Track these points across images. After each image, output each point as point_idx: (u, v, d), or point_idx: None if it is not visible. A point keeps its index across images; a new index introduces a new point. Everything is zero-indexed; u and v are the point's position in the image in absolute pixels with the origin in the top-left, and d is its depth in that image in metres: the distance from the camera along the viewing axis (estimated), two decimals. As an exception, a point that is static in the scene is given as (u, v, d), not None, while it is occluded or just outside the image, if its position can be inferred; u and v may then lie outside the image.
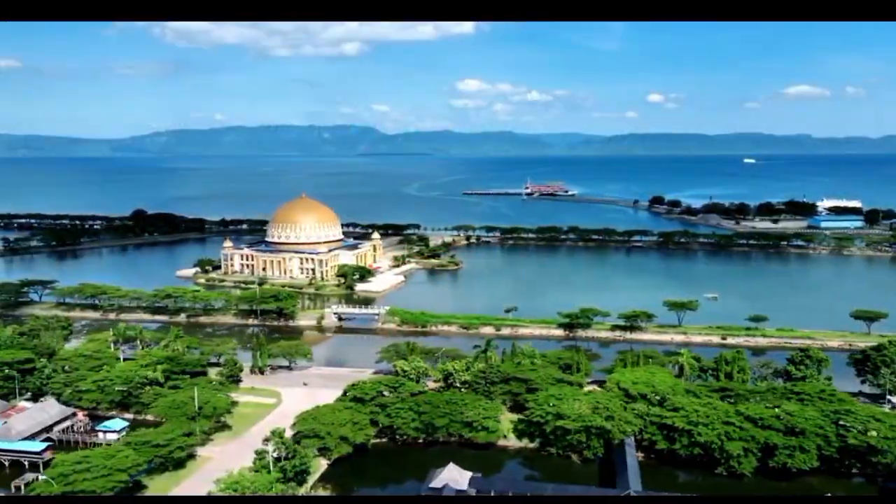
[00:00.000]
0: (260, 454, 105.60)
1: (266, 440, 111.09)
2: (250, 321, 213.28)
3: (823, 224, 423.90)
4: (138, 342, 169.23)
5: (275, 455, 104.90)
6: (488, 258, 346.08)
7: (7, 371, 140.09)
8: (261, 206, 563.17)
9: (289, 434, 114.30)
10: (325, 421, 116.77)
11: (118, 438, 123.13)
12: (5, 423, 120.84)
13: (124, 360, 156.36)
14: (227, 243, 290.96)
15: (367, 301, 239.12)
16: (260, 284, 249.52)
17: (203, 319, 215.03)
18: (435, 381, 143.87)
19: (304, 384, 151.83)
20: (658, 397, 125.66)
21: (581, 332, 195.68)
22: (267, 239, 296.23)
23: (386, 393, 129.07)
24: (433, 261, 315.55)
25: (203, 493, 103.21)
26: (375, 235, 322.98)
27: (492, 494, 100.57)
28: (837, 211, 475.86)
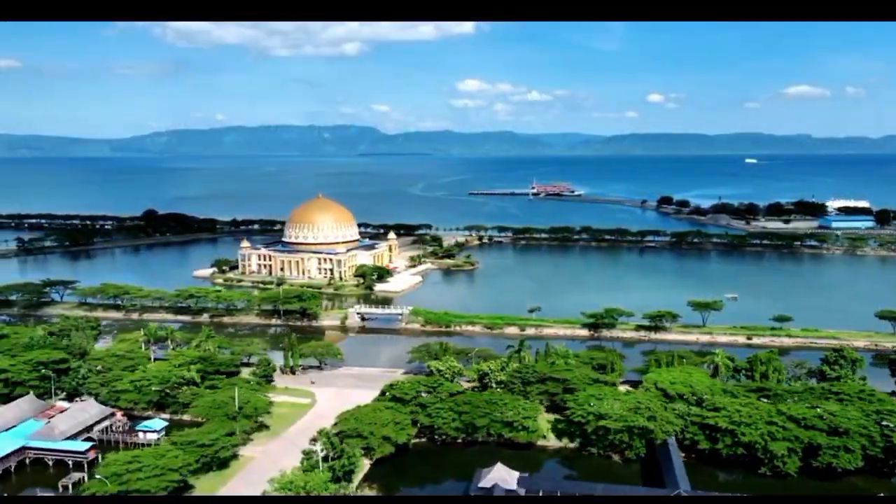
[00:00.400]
0: (307, 454, 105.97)
1: (313, 440, 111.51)
2: (273, 321, 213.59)
3: (834, 224, 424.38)
4: (169, 342, 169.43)
5: (322, 455, 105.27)
6: (502, 258, 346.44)
7: (44, 371, 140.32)
8: (269, 206, 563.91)
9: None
10: (367, 421, 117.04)
11: (158, 438, 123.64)
12: (48, 422, 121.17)
13: (155, 360, 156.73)
14: (245, 243, 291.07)
15: (385, 301, 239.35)
16: (278, 285, 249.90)
17: (226, 319, 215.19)
18: (469, 382, 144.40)
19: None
20: (696, 397, 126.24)
21: (606, 333, 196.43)
22: (284, 239, 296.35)
23: (424, 393, 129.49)
24: (448, 261, 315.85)
25: (250, 493, 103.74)
26: (391, 235, 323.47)
27: (540, 494, 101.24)
28: (847, 211, 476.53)
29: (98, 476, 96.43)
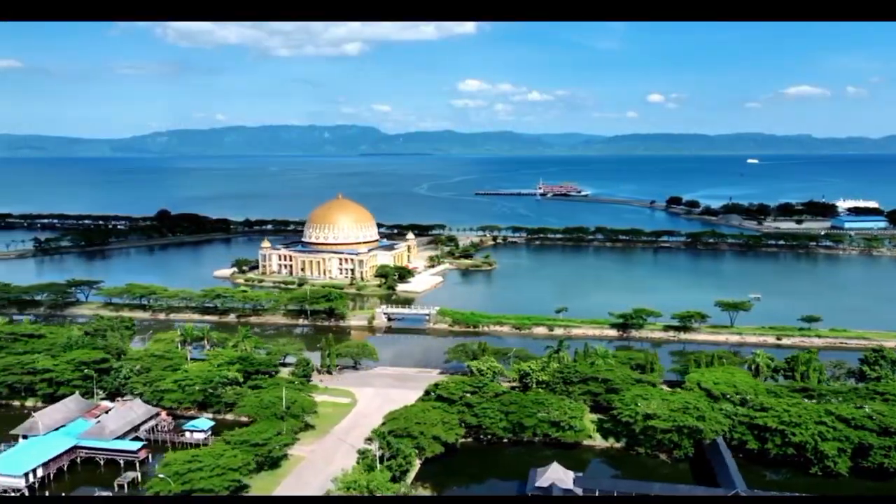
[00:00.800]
0: (363, 453, 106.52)
1: (368, 440, 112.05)
2: (300, 321, 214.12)
3: (847, 225, 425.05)
4: (205, 342, 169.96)
5: (379, 454, 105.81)
6: (519, 258, 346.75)
7: (86, 371, 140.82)
8: (278, 207, 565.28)
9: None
10: (416, 420, 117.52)
11: (206, 438, 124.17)
12: (98, 422, 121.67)
13: (191, 360, 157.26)
14: (265, 243, 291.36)
15: (407, 301, 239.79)
16: (300, 285, 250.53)
17: (252, 319, 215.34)
18: (509, 382, 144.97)
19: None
20: (739, 397, 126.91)
21: (634, 333, 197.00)
22: (304, 239, 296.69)
23: (468, 393, 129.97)
24: (466, 261, 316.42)
25: (305, 492, 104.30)
26: (410, 236, 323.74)
27: (596, 494, 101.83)
28: (857, 212, 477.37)
29: (161, 475, 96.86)
